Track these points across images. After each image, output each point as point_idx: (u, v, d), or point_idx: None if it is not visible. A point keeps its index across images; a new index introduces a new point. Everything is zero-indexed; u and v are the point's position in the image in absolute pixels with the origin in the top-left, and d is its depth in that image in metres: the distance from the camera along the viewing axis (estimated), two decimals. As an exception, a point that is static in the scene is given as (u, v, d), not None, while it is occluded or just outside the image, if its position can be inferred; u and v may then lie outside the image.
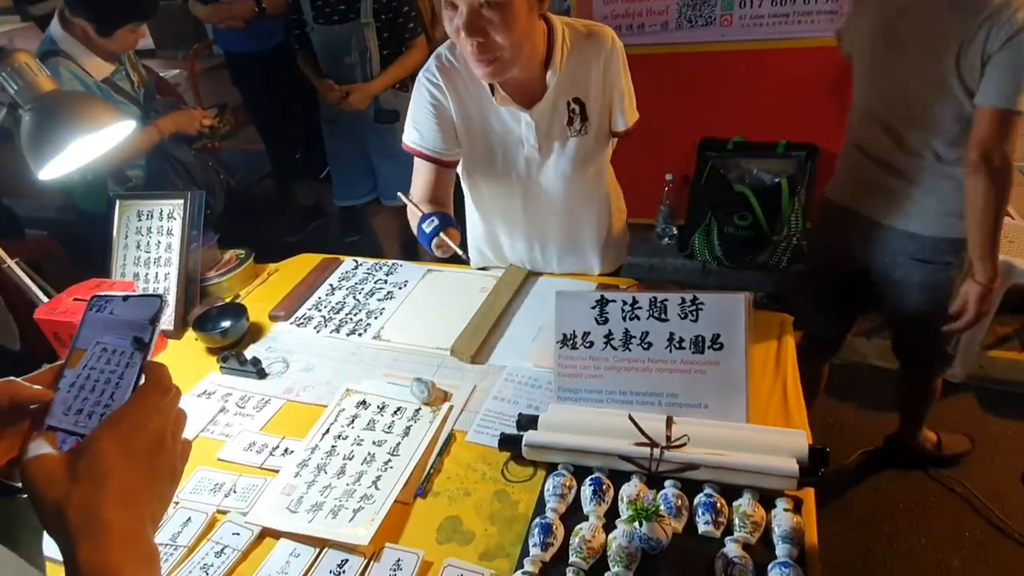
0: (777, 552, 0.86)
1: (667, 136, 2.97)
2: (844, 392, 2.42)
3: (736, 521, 0.90)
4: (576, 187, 1.41)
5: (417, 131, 1.34)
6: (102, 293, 0.61)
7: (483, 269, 1.68)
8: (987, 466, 2.08)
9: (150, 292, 1.44)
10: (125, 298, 0.59)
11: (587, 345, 1.11)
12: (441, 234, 1.23)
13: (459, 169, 1.44)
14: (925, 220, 1.54)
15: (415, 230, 1.31)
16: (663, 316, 1.08)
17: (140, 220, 1.59)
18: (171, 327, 1.50)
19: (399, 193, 1.38)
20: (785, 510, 0.90)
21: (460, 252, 1.27)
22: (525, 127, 1.30)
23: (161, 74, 3.28)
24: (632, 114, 1.35)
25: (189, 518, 1.02)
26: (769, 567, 0.84)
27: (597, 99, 1.30)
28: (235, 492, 1.06)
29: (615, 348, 1.10)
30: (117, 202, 1.62)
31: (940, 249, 1.55)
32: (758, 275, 2.95)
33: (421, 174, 1.38)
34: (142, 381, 0.53)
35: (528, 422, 1.08)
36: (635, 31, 2.81)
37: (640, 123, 1.38)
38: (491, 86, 1.25)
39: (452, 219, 1.28)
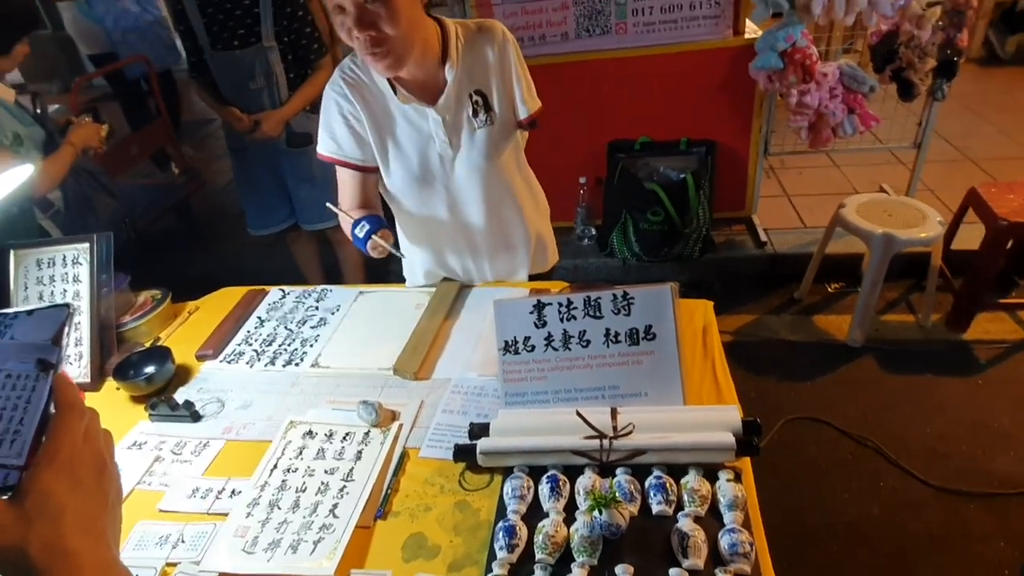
0: (725, 520, 0.92)
1: (577, 140, 3.09)
2: (761, 367, 2.60)
3: (685, 497, 0.96)
4: (492, 180, 1.45)
5: (334, 141, 1.39)
6: (3, 311, 0.59)
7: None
8: (891, 419, 2.29)
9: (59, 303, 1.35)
10: (30, 312, 0.57)
11: (529, 349, 1.15)
12: (374, 236, 1.32)
13: (381, 187, 1.48)
14: None
15: (350, 237, 1.38)
16: (598, 313, 1.13)
17: (40, 269, 1.49)
18: (87, 379, 1.41)
19: (328, 204, 1.44)
20: (728, 481, 0.97)
21: (394, 251, 1.36)
22: (433, 123, 1.35)
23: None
24: (533, 102, 1.40)
25: (136, 576, 0.97)
26: (720, 535, 0.90)
27: (498, 89, 1.36)
28: (183, 542, 1.02)
29: (556, 349, 1.14)
30: (12, 252, 1.50)
31: None
32: (675, 266, 3.11)
33: (347, 184, 1.44)
34: (52, 405, 0.52)
35: (480, 430, 1.10)
36: (536, 42, 2.91)
37: (548, 120, 1.45)
38: (393, 87, 1.31)
39: (383, 220, 1.38)
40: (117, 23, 3.83)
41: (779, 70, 2.65)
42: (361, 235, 1.34)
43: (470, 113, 1.36)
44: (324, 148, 1.41)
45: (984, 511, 1.95)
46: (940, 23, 2.65)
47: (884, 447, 2.17)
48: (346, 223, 1.40)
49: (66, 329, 0.56)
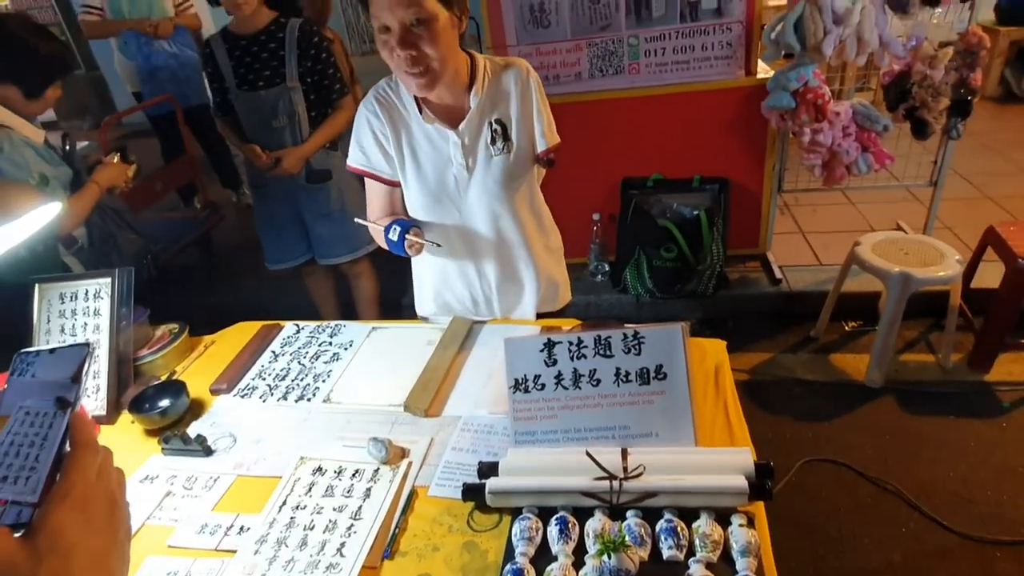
0: (737, 567, 0.90)
1: (591, 177, 3.12)
2: (777, 406, 2.56)
3: (697, 542, 0.94)
4: (502, 210, 1.50)
5: (363, 154, 1.47)
6: (27, 349, 0.61)
7: (426, 320, 1.72)
8: (912, 463, 2.23)
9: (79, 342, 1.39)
10: (52, 351, 0.59)
11: (539, 388, 1.15)
12: (408, 235, 1.40)
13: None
14: None
15: (383, 244, 1.46)
16: (608, 352, 1.13)
17: (63, 303, 1.52)
18: (103, 412, 1.43)
19: (356, 219, 1.52)
20: (740, 526, 0.95)
21: (430, 243, 1.43)
22: (452, 146, 1.41)
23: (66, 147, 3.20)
24: (552, 137, 1.46)
25: (142, 613, 0.97)
26: (732, 583, 0.88)
27: (518, 121, 1.43)
28: (191, 579, 1.02)
29: (566, 388, 1.14)
30: (36, 286, 1.54)
31: None
32: (688, 303, 3.10)
33: (375, 196, 1.53)
34: (67, 443, 0.53)
35: (489, 469, 1.09)
36: (551, 82, 2.97)
37: (563, 157, 1.50)
38: (420, 107, 1.39)
39: (409, 222, 1.47)
40: (148, 62, 4.00)
41: (791, 109, 2.68)
42: (395, 239, 1.41)
43: (488, 140, 1.42)
44: (353, 160, 1.49)
45: (1011, 560, 1.88)
46: (953, 63, 2.67)
47: (905, 491, 2.11)
48: (377, 233, 1.48)
49: (86, 367, 0.58)
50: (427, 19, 1.21)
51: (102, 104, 7.45)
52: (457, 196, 1.47)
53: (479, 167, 1.43)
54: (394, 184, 1.50)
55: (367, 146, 1.46)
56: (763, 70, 2.90)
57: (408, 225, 1.43)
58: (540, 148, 1.46)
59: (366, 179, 1.52)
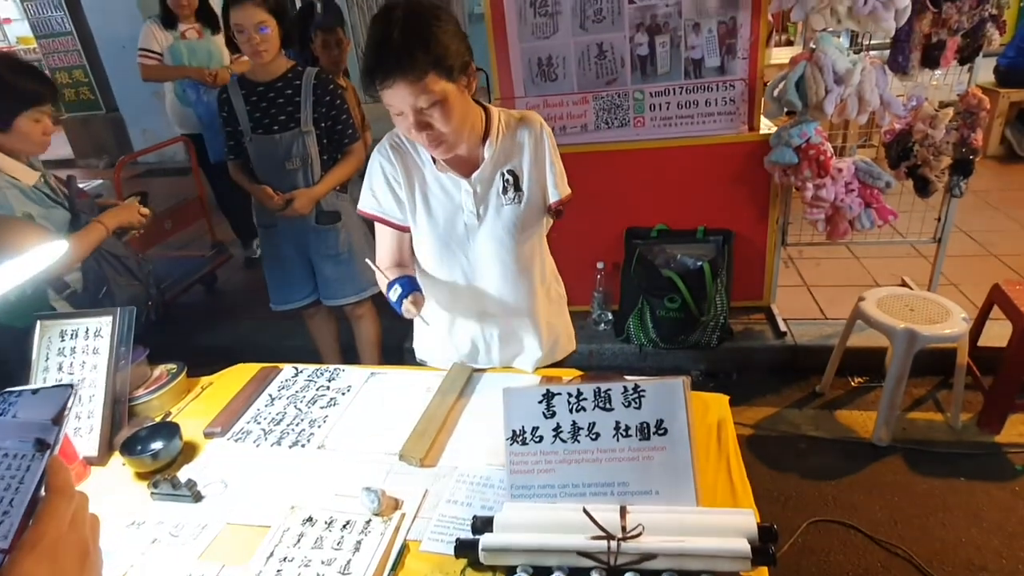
0: (740, 638, 0.87)
1: (595, 227, 3.15)
2: (783, 464, 2.50)
3: (697, 610, 0.91)
4: (510, 256, 1.50)
5: (375, 199, 1.49)
6: (10, 389, 0.60)
7: (424, 364, 1.71)
8: (923, 526, 2.16)
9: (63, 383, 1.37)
10: (35, 391, 0.58)
11: (537, 440, 1.12)
12: (406, 302, 1.41)
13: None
14: None
15: (385, 293, 1.48)
16: (608, 406, 1.11)
17: (63, 340, 1.52)
18: (95, 453, 1.41)
19: (367, 260, 1.54)
20: (743, 593, 0.92)
21: (422, 319, 1.43)
22: (464, 194, 1.43)
23: (80, 185, 3.25)
24: (564, 188, 1.48)
25: (117, 670, 0.92)
26: (734, 655, 0.84)
27: (530, 173, 1.44)
28: (170, 633, 0.98)
29: (564, 441, 1.11)
30: (38, 323, 1.54)
31: None
32: (692, 354, 3.07)
33: (384, 241, 1.55)
34: (43, 487, 0.52)
35: (483, 524, 1.06)
36: (557, 133, 3.02)
37: (568, 206, 1.51)
38: (433, 157, 1.42)
39: (414, 283, 1.48)
40: (207, 109, 4.09)
41: (794, 164, 2.71)
42: (394, 298, 1.44)
43: (500, 189, 1.44)
44: (365, 205, 1.51)
45: (1030, 634, 1.80)
46: (954, 123, 2.71)
47: (916, 556, 2.03)
48: (382, 281, 1.49)
49: (67, 409, 0.57)
50: (437, 101, 1.22)
51: (119, 144, 7.62)
52: (466, 242, 1.48)
53: (489, 215, 1.45)
54: (404, 229, 1.51)
55: (379, 191, 1.48)
56: (766, 126, 2.95)
57: (410, 289, 1.43)
58: (552, 199, 1.48)
59: (376, 224, 1.53)
